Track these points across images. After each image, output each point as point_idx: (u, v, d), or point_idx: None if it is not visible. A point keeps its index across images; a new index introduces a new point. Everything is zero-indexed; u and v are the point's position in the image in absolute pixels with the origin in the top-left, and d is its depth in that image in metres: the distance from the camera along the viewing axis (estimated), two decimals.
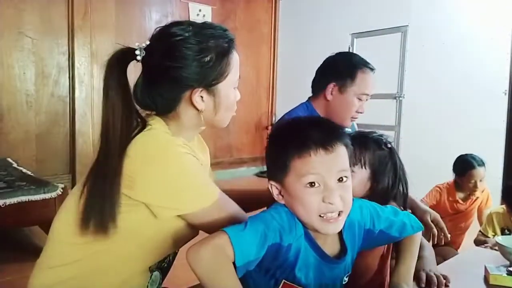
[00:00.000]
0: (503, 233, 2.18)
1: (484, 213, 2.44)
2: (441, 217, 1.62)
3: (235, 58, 0.99)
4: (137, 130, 0.92)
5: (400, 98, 4.39)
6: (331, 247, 0.87)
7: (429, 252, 1.15)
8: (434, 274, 1.03)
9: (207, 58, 0.93)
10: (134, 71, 1.01)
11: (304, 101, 1.70)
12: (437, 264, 1.15)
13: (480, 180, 2.34)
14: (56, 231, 0.98)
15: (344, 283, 0.92)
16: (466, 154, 2.44)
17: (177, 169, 0.89)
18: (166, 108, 0.97)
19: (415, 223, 0.99)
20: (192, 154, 0.93)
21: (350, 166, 0.94)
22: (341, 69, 1.59)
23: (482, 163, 2.35)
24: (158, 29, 0.97)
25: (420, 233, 1.02)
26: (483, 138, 3.63)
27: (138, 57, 0.93)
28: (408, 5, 4.26)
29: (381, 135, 1.20)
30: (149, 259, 0.98)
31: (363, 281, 1.17)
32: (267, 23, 5.75)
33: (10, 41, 3.73)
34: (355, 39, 4.80)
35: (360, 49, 4.67)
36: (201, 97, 0.95)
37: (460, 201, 2.42)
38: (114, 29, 4.18)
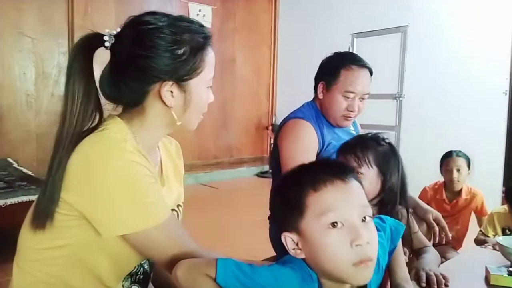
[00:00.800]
0: (504, 233, 2.18)
1: (482, 218, 2.43)
2: None
3: (210, 56, 0.94)
4: (91, 127, 0.87)
5: (400, 98, 4.39)
6: None
7: (431, 254, 1.15)
8: (434, 273, 1.03)
9: (180, 51, 0.87)
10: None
11: (305, 100, 1.75)
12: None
13: (458, 170, 2.37)
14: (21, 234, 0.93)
15: None
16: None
17: (119, 180, 0.79)
18: (132, 101, 0.90)
19: (395, 229, 0.91)
20: (143, 164, 0.83)
21: (357, 168, 1.02)
22: (326, 68, 1.65)
23: (462, 155, 2.42)
24: (131, 17, 0.92)
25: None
26: (483, 138, 3.63)
27: (107, 43, 0.88)
28: (408, 5, 4.26)
29: (378, 133, 1.24)
30: (113, 276, 0.90)
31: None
32: (267, 23, 5.75)
33: (10, 41, 3.73)
34: (355, 39, 4.80)
35: (360, 49, 4.67)
36: (171, 92, 0.89)
37: (447, 201, 2.42)
38: (114, 29, 4.17)
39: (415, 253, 1.22)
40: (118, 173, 0.80)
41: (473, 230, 2.46)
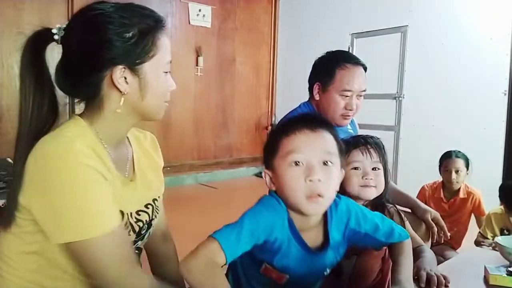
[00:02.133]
0: (502, 234, 2.18)
1: (481, 218, 2.43)
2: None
3: (163, 40, 0.91)
4: (46, 128, 0.85)
5: (400, 98, 4.39)
6: (314, 240, 0.90)
7: (429, 254, 1.16)
8: (435, 273, 1.03)
9: (129, 34, 0.85)
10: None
11: (305, 100, 1.74)
12: (437, 264, 1.15)
13: (456, 171, 2.38)
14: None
15: (326, 274, 0.96)
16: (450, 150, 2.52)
17: (64, 188, 0.77)
18: (88, 93, 0.88)
19: (402, 232, 1.01)
20: (94, 167, 0.79)
21: (378, 164, 1.13)
22: (321, 69, 1.64)
23: (461, 156, 2.43)
24: (80, 8, 0.89)
25: (410, 240, 1.03)
26: (483, 138, 3.63)
27: (56, 36, 0.86)
28: (408, 5, 4.26)
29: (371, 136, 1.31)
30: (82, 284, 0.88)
31: (365, 283, 1.17)
32: (266, 23, 5.75)
33: (10, 41, 3.73)
34: (355, 39, 4.80)
35: (360, 49, 4.67)
36: (125, 78, 0.86)
37: (444, 200, 2.43)
38: None
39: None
40: (64, 179, 0.76)
41: (473, 230, 2.46)
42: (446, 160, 2.44)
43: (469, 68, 3.80)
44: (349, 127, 1.76)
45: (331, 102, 1.58)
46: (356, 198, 1.23)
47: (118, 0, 0.91)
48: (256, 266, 0.92)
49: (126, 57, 0.85)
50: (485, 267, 1.11)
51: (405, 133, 4.35)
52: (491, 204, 2.47)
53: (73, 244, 0.77)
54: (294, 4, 5.57)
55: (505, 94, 3.64)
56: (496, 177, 3.51)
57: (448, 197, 2.45)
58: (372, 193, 1.20)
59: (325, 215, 0.91)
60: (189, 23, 4.90)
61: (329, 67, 1.59)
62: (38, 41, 0.86)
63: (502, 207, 2.25)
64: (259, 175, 5.53)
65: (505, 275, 1.05)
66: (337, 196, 0.92)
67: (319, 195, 0.81)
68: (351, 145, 1.24)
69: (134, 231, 0.93)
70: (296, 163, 0.82)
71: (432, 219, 1.52)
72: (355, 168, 1.21)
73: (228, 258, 0.78)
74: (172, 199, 3.99)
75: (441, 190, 2.46)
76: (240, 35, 5.44)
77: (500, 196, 2.26)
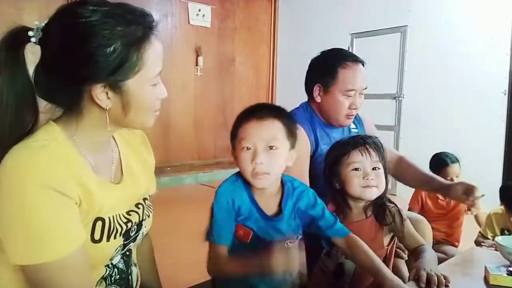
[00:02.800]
0: (502, 234, 2.18)
1: (479, 215, 2.43)
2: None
3: (152, 50, 0.81)
4: (22, 135, 0.79)
5: (400, 98, 4.40)
6: (271, 208, 1.11)
7: (430, 253, 1.15)
8: (435, 274, 1.03)
9: (111, 48, 0.76)
10: None
11: (304, 101, 1.69)
12: (439, 262, 1.15)
13: (457, 176, 2.37)
14: None
15: (291, 243, 1.09)
16: (440, 153, 2.51)
17: (14, 209, 0.72)
18: (66, 103, 0.82)
19: (342, 229, 1.15)
20: (56, 187, 0.73)
21: (378, 164, 1.19)
22: (321, 69, 1.56)
23: (456, 160, 2.41)
24: (60, 6, 0.80)
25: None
26: (482, 138, 3.63)
27: (33, 39, 0.78)
28: (408, 5, 4.27)
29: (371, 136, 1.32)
30: None
31: (366, 283, 1.18)
32: (266, 23, 5.76)
33: None
34: (355, 39, 4.80)
35: (360, 49, 4.67)
36: (106, 93, 0.79)
37: (441, 198, 2.42)
38: None
39: (412, 252, 1.22)
40: (16, 202, 0.72)
41: (473, 230, 2.46)
42: (444, 168, 2.39)
43: (469, 68, 3.80)
44: (352, 126, 1.70)
45: (335, 103, 1.52)
46: (357, 199, 1.23)
47: None
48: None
49: (106, 75, 0.77)
50: (485, 267, 1.11)
51: (405, 133, 4.35)
52: (491, 204, 2.47)
53: (25, 267, 0.74)
54: (294, 4, 5.57)
55: (505, 94, 3.64)
56: (496, 177, 3.52)
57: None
58: (373, 193, 1.20)
59: (282, 191, 1.11)
60: (189, 23, 4.90)
61: (329, 67, 1.52)
62: (14, 40, 0.79)
63: (502, 207, 2.25)
64: None
65: (505, 275, 1.05)
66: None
67: (265, 173, 1.03)
68: (350, 146, 1.24)
69: (120, 233, 0.89)
70: (247, 148, 1.03)
71: (465, 192, 1.49)
72: (355, 169, 1.20)
73: (228, 245, 1.05)
74: (172, 199, 4.00)
75: None
76: (239, 35, 5.44)
77: (500, 197, 2.26)
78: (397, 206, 1.24)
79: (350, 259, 1.18)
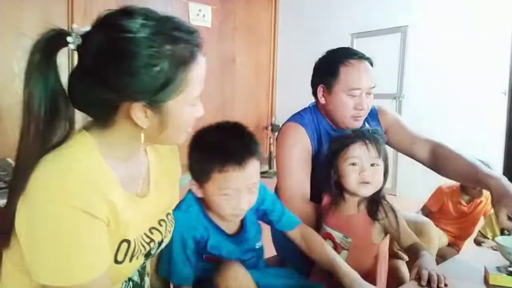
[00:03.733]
0: (502, 234, 2.18)
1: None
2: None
3: (197, 70, 0.79)
4: (57, 142, 0.76)
5: (400, 98, 4.39)
6: (233, 227, 1.13)
7: (427, 252, 1.16)
8: (436, 273, 1.03)
9: (157, 68, 0.72)
10: None
11: (305, 100, 1.68)
12: (437, 264, 1.15)
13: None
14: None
15: (258, 247, 1.17)
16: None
17: (46, 230, 0.70)
18: (100, 115, 0.78)
19: (289, 221, 1.20)
20: (87, 209, 0.71)
21: (377, 159, 1.18)
22: (323, 69, 1.51)
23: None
24: (105, 13, 0.75)
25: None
26: (483, 138, 3.63)
27: (71, 45, 0.74)
28: (408, 5, 4.26)
29: (377, 130, 1.31)
30: None
31: (365, 279, 1.17)
32: (267, 23, 5.75)
33: (10, 41, 3.73)
34: (355, 39, 4.80)
35: (360, 49, 4.64)
36: (145, 111, 0.76)
37: (464, 203, 2.43)
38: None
39: (407, 250, 1.21)
40: (50, 218, 0.70)
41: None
42: None
43: (469, 68, 3.80)
44: (366, 126, 1.55)
45: (339, 104, 1.44)
46: (353, 194, 1.23)
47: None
48: (200, 257, 1.11)
49: (148, 94, 0.74)
50: (485, 267, 1.11)
51: None
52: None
53: (49, 286, 0.73)
54: (294, 4, 5.56)
55: (505, 94, 3.63)
56: None
57: (467, 200, 2.46)
58: (369, 190, 1.20)
59: None
60: (189, 23, 4.90)
61: (331, 66, 1.46)
62: (50, 44, 0.75)
63: None
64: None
65: (505, 275, 1.05)
66: None
67: (241, 212, 1.05)
68: (349, 139, 1.22)
69: (143, 254, 0.87)
70: (225, 194, 1.01)
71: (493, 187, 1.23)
72: (353, 164, 1.20)
73: (191, 282, 1.06)
74: None
75: (461, 195, 2.46)
76: (240, 35, 5.44)
77: None
78: (390, 204, 1.23)
79: (305, 251, 1.19)
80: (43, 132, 0.74)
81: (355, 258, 1.18)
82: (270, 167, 5.55)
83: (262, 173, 5.44)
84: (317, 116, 1.54)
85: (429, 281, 1.02)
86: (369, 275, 1.19)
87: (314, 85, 1.54)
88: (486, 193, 2.42)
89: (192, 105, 0.82)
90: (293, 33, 5.60)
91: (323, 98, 1.50)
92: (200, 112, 0.85)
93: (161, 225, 0.94)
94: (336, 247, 1.22)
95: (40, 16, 3.86)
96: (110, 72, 0.72)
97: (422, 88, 4.17)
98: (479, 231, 2.35)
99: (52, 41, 0.75)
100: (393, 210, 1.21)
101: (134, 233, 0.84)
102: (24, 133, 0.74)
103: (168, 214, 0.99)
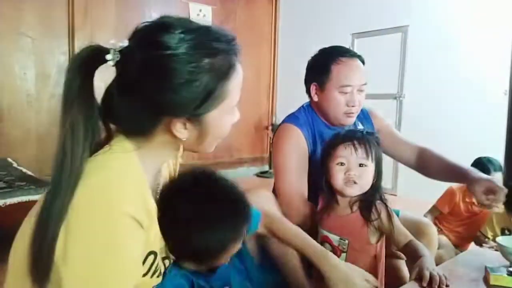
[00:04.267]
0: (503, 234, 2.18)
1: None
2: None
3: (236, 79, 0.79)
4: (97, 143, 0.74)
5: (400, 98, 4.39)
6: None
7: (428, 252, 1.15)
8: (438, 274, 1.03)
9: (198, 83, 0.72)
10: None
11: (305, 100, 1.69)
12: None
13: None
14: (12, 258, 0.77)
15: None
16: (484, 157, 2.41)
17: (105, 233, 0.67)
18: (138, 131, 0.78)
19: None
20: (136, 216, 0.70)
21: (364, 160, 1.17)
22: (315, 67, 1.55)
23: (498, 169, 2.32)
24: (142, 27, 0.75)
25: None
26: (483, 138, 3.63)
27: (111, 62, 0.72)
28: (408, 5, 4.26)
29: (372, 131, 1.31)
30: None
31: None
32: (267, 23, 5.75)
33: (10, 41, 3.73)
34: (355, 39, 4.80)
35: (360, 49, 4.67)
36: (184, 124, 0.76)
37: (476, 203, 2.38)
38: (114, 29, 4.18)
39: (402, 249, 1.21)
40: (104, 231, 0.67)
41: None
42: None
43: (469, 68, 3.80)
44: (359, 124, 1.65)
45: (331, 101, 1.49)
46: (340, 193, 1.23)
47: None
48: None
49: (188, 108, 0.74)
50: (485, 267, 1.11)
51: (405, 133, 4.31)
52: None
53: None
54: (295, 4, 5.56)
55: (505, 94, 3.62)
56: (496, 177, 3.51)
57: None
58: (354, 190, 1.20)
59: None
60: None
61: (323, 64, 1.50)
62: (89, 62, 0.73)
63: (503, 206, 2.24)
64: (259, 175, 5.53)
65: (506, 275, 1.05)
66: None
67: None
68: (339, 139, 1.23)
69: (160, 273, 0.84)
70: None
71: (487, 190, 1.36)
72: (340, 164, 1.20)
73: None
74: None
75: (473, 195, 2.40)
76: (240, 35, 5.34)
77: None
78: (384, 203, 1.23)
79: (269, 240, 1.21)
80: (80, 153, 0.71)
81: (354, 260, 1.18)
82: (270, 167, 5.55)
83: (262, 173, 5.45)
84: (311, 115, 1.58)
85: (430, 282, 1.01)
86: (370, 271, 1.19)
87: (307, 83, 1.59)
88: None
89: (231, 113, 0.83)
90: (294, 33, 5.60)
91: (316, 96, 1.55)
92: (237, 117, 0.86)
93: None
94: (335, 251, 1.22)
95: (40, 16, 3.86)
96: (150, 89, 0.72)
97: (422, 88, 4.17)
98: (480, 231, 2.34)
99: (91, 60, 0.73)
100: (386, 209, 1.21)
101: (158, 247, 0.82)
102: (67, 152, 0.69)
103: None
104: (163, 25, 0.74)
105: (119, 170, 0.73)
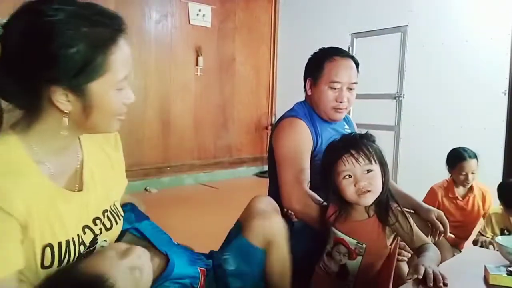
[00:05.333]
0: (502, 234, 2.18)
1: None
2: (449, 221, 1.62)
3: (120, 53, 0.78)
4: None
5: (400, 98, 4.39)
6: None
7: (433, 253, 1.15)
8: (433, 271, 1.03)
9: (74, 49, 0.72)
10: None
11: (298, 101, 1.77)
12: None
13: (472, 173, 2.34)
14: None
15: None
16: (458, 147, 2.46)
17: None
18: (25, 106, 0.79)
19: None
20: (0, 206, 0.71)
21: (369, 166, 1.17)
22: (311, 64, 1.67)
23: (473, 156, 2.37)
24: (24, 3, 0.77)
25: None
26: (483, 138, 3.63)
27: None
28: (408, 5, 4.26)
29: (366, 132, 1.29)
30: None
31: (371, 282, 1.17)
32: (267, 23, 5.75)
33: None
34: (355, 39, 4.80)
35: (360, 49, 4.67)
36: (66, 95, 0.76)
37: (459, 198, 2.40)
38: None
39: (416, 251, 1.22)
40: None
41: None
42: (461, 163, 2.35)
43: (469, 68, 3.80)
44: (346, 126, 1.76)
45: (321, 95, 1.60)
46: (356, 203, 1.22)
47: None
48: None
49: (68, 78, 0.74)
50: (485, 267, 1.11)
51: (405, 133, 4.35)
52: (492, 204, 2.48)
53: None
54: (294, 3, 5.56)
55: (505, 94, 3.63)
56: (496, 177, 3.51)
57: (462, 195, 2.42)
58: (368, 199, 1.19)
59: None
60: (189, 23, 4.90)
61: (318, 62, 1.63)
62: None
63: (501, 206, 2.24)
64: (259, 175, 5.53)
65: (505, 275, 1.05)
66: None
67: None
68: (337, 152, 1.21)
69: (74, 258, 0.84)
70: None
71: (436, 218, 1.52)
72: (348, 177, 1.18)
73: None
74: (172, 199, 4.00)
75: (454, 189, 2.41)
76: (240, 35, 5.44)
77: (498, 195, 2.25)
78: (400, 207, 1.23)
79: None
80: None
81: (369, 263, 1.18)
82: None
83: (262, 173, 5.44)
84: (308, 110, 1.67)
85: (433, 281, 1.01)
86: (379, 276, 1.19)
87: (304, 78, 1.70)
88: (478, 186, 2.42)
89: (118, 89, 0.81)
90: (293, 33, 5.60)
91: (310, 90, 1.66)
92: (130, 98, 0.85)
93: (95, 224, 0.90)
94: (351, 253, 1.20)
95: None
96: (28, 58, 0.73)
97: (422, 88, 4.17)
98: (479, 231, 2.35)
99: None
100: (403, 213, 1.20)
101: (64, 233, 0.82)
102: None
103: (105, 211, 0.95)
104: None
105: None
